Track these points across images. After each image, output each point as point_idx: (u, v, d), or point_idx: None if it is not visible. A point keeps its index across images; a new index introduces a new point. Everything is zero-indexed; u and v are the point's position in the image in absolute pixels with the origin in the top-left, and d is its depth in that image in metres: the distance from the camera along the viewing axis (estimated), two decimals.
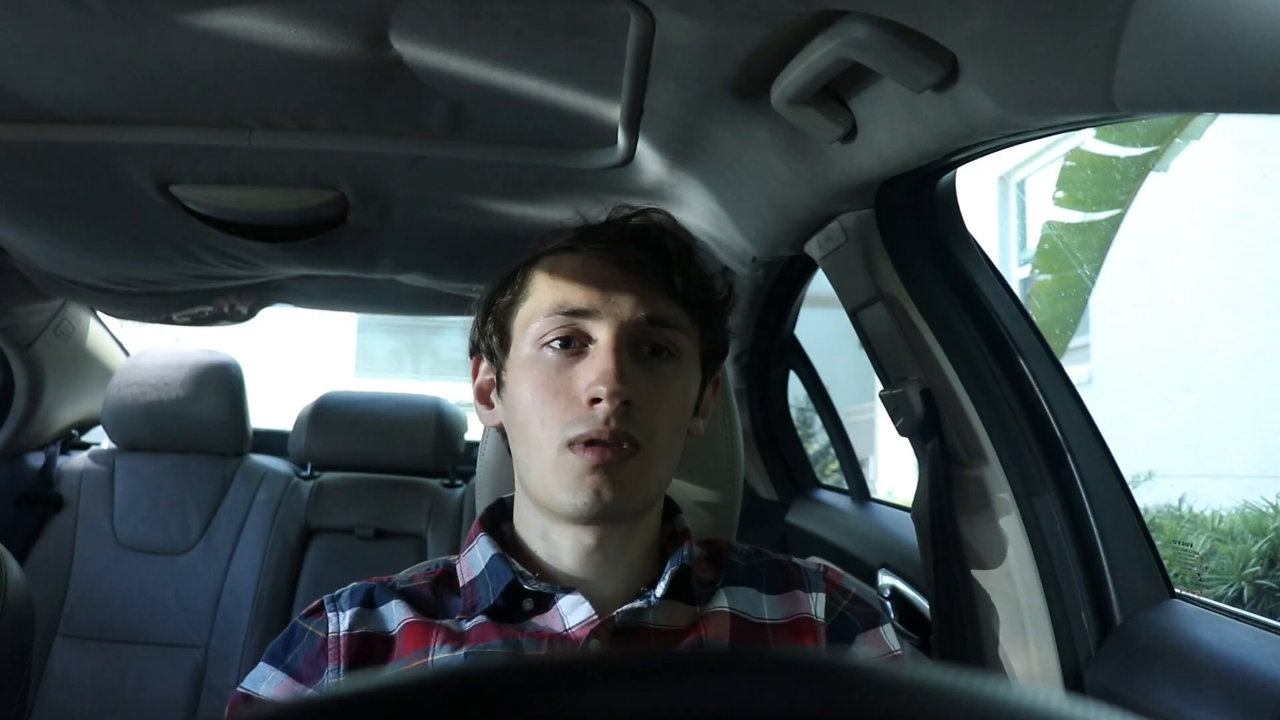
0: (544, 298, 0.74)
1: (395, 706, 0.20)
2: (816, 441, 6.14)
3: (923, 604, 1.18)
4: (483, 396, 0.81)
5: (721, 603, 0.75)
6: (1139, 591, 0.89)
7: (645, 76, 0.87)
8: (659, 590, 0.72)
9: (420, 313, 2.36)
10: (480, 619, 0.72)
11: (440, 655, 0.71)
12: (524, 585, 0.72)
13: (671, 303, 0.74)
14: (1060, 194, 3.54)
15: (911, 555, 1.21)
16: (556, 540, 0.75)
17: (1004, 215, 6.31)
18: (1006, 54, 0.62)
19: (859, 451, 2.24)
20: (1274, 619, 0.80)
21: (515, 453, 0.76)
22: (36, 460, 1.99)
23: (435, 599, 0.76)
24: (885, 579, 1.31)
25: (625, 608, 0.71)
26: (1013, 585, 0.92)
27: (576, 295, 0.73)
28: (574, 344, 0.72)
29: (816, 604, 0.77)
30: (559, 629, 0.71)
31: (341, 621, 0.74)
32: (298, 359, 7.96)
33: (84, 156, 1.15)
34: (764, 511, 1.86)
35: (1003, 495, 0.92)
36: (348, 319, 8.98)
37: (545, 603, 0.73)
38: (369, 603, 0.75)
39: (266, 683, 0.73)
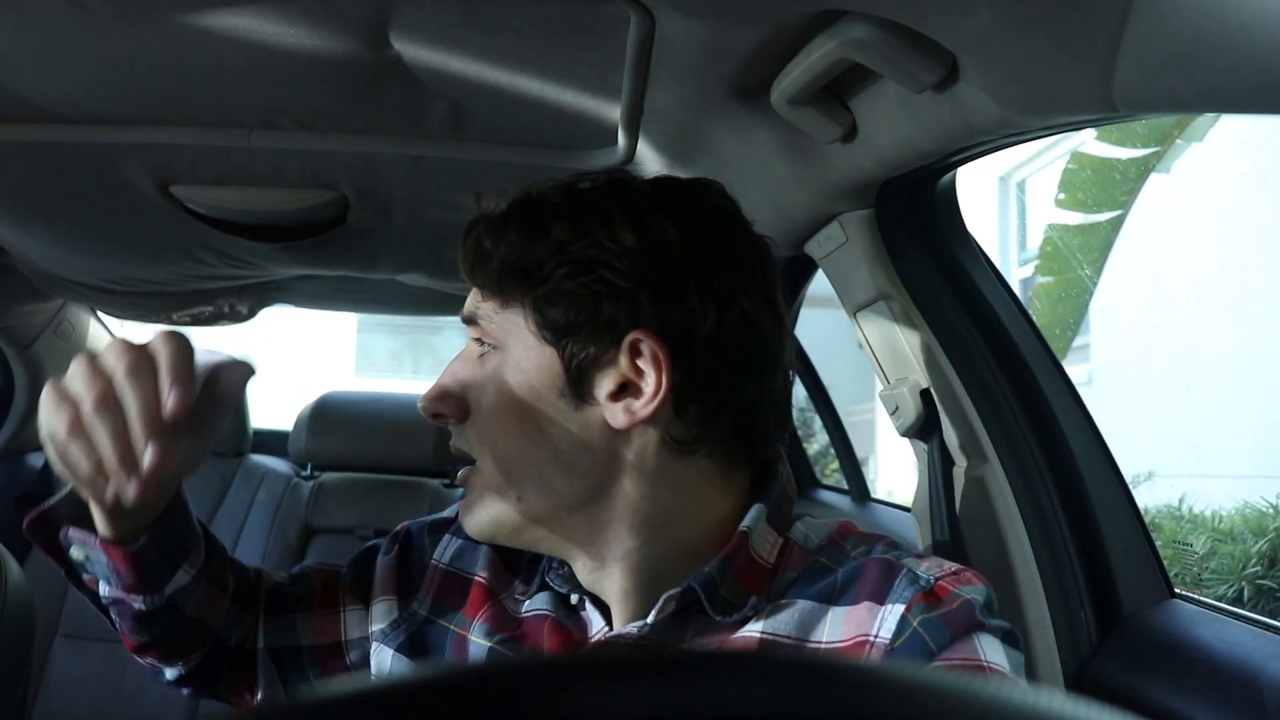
0: None
1: (394, 707, 0.20)
2: (816, 441, 6.14)
3: None
4: None
5: (755, 627, 0.61)
6: (1139, 592, 0.89)
7: (645, 76, 0.87)
8: (650, 619, 0.61)
9: (420, 313, 2.37)
10: (541, 611, 0.67)
11: (476, 638, 0.68)
12: (550, 584, 0.67)
13: (475, 292, 0.66)
14: (1062, 195, 3.55)
15: None
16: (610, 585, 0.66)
17: (1004, 215, 6.31)
18: (1006, 54, 0.62)
19: (859, 451, 2.24)
20: (1274, 619, 0.80)
21: None
22: (36, 460, 1.99)
23: (519, 556, 0.70)
24: None
25: (617, 631, 0.64)
26: (1013, 585, 0.92)
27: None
28: None
29: (886, 619, 0.58)
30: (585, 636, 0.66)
31: (448, 549, 0.73)
32: (298, 359, 7.97)
33: (84, 156, 1.15)
34: None
35: (1003, 495, 0.92)
36: (348, 319, 8.98)
37: (581, 604, 0.67)
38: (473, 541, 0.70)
39: (380, 561, 0.74)
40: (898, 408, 1.02)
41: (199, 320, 2.00)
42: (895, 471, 6.85)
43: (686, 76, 0.85)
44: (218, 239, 1.41)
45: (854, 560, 0.61)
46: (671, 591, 0.60)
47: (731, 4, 0.71)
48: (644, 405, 0.58)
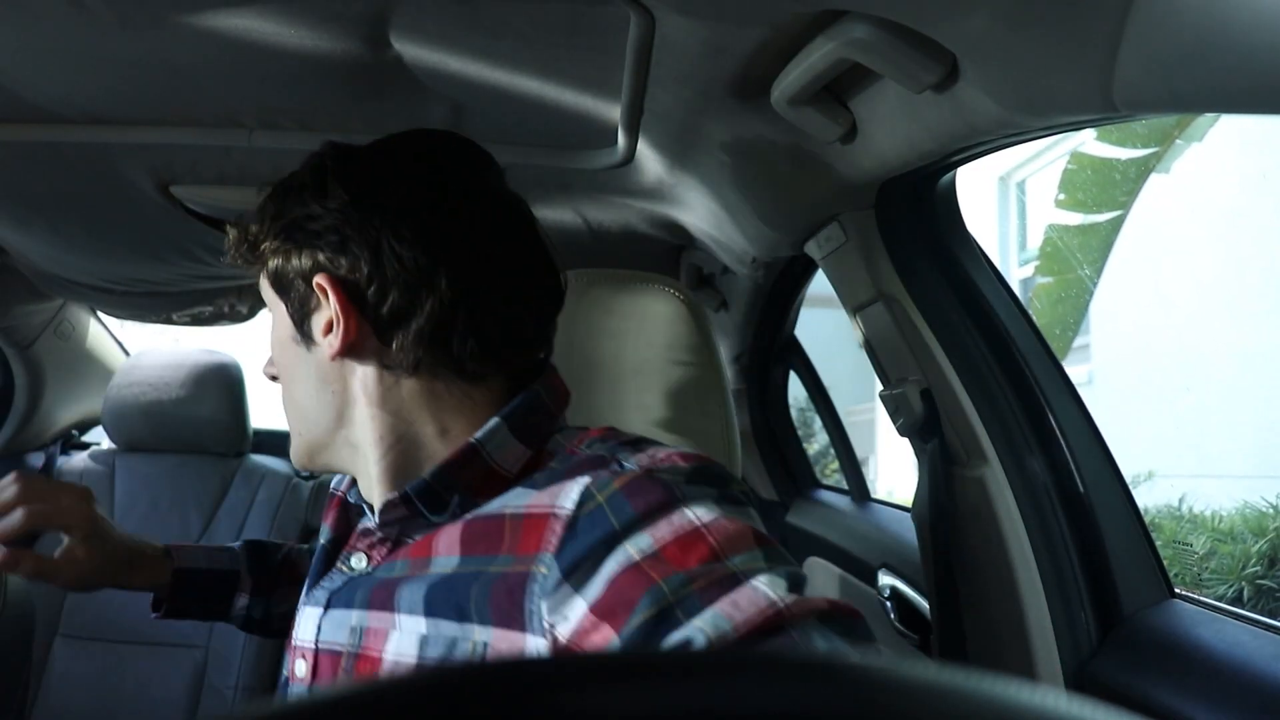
0: None
1: (393, 706, 0.20)
2: (816, 441, 6.14)
3: (923, 604, 1.18)
4: None
5: (463, 518, 0.66)
6: (1139, 591, 0.89)
7: (645, 76, 0.87)
8: (375, 519, 0.70)
9: None
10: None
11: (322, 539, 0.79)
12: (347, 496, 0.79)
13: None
14: (1062, 196, 3.55)
15: (911, 555, 1.21)
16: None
17: (1004, 215, 6.31)
18: (1006, 54, 0.62)
19: (859, 451, 2.24)
20: (1274, 619, 0.80)
21: None
22: (37, 460, 1.99)
23: None
24: (885, 579, 1.31)
25: (362, 527, 0.74)
26: (1013, 585, 0.92)
27: None
28: None
29: (571, 491, 0.60)
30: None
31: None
32: None
33: (84, 156, 1.15)
34: (764, 512, 1.86)
35: (1003, 495, 0.92)
36: None
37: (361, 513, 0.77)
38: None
39: None
40: (898, 408, 1.02)
41: (199, 320, 2.00)
42: (895, 471, 6.85)
43: (686, 76, 0.85)
44: (218, 239, 1.41)
45: (579, 455, 0.65)
46: (390, 497, 0.67)
47: (731, 4, 0.71)
48: (338, 339, 0.67)
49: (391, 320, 0.66)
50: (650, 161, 1.09)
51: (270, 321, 0.75)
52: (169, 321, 1.99)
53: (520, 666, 0.22)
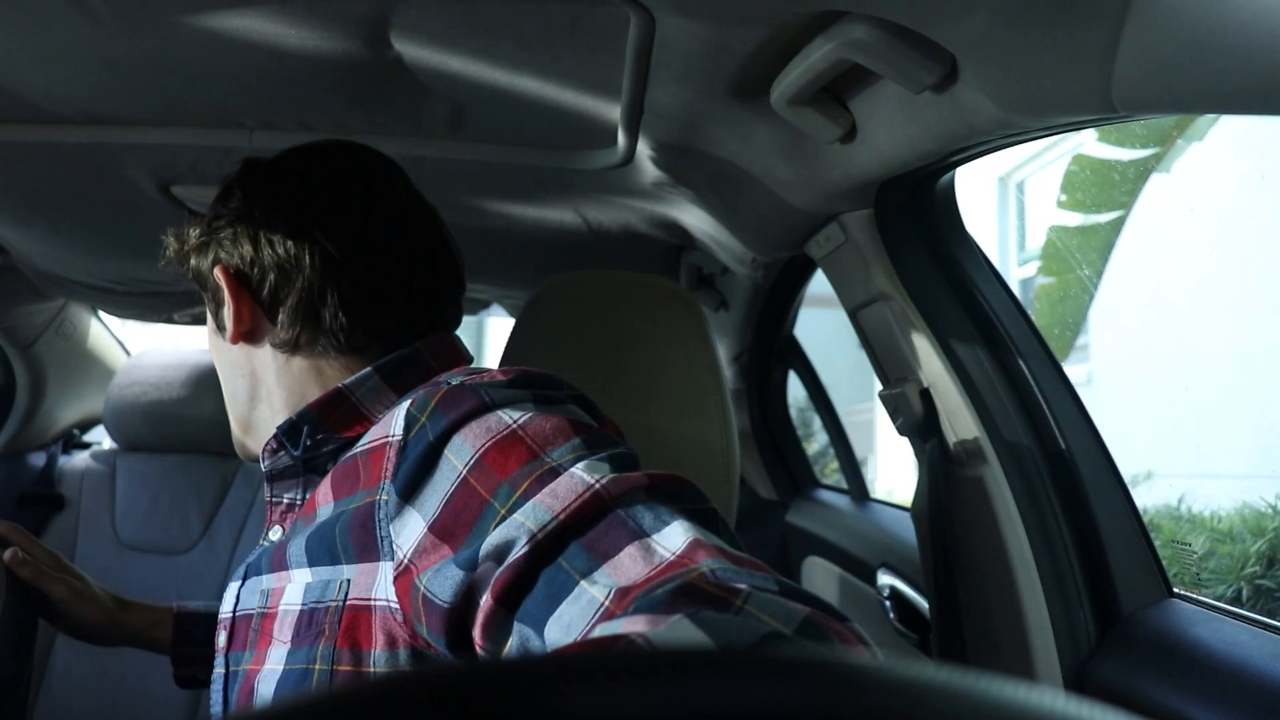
0: None
1: (391, 706, 0.21)
2: (816, 441, 6.14)
3: (923, 604, 1.19)
4: None
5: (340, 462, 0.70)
6: (1138, 591, 0.89)
7: (645, 76, 0.87)
8: (265, 463, 0.76)
9: None
10: None
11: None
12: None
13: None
14: (1063, 197, 3.55)
15: (911, 555, 1.21)
16: None
17: (1004, 215, 6.31)
18: (1006, 54, 0.62)
19: (859, 451, 2.24)
20: (1273, 619, 0.80)
21: None
22: (38, 460, 1.99)
23: None
24: (885, 579, 1.31)
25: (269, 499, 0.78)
26: (1013, 585, 0.92)
27: None
28: None
29: (400, 418, 0.63)
30: None
31: None
32: None
33: (84, 156, 1.15)
34: (763, 511, 1.86)
35: (1003, 495, 0.93)
36: None
37: None
38: None
39: None
40: (898, 408, 1.03)
41: (199, 320, 2.00)
42: (895, 471, 6.85)
43: (686, 76, 0.85)
44: None
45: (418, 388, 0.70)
46: (268, 442, 0.74)
47: (731, 4, 0.71)
48: (232, 323, 0.75)
49: (272, 301, 0.74)
50: (650, 161, 1.09)
51: None
52: (169, 321, 1.99)
53: (516, 667, 0.22)
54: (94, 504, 1.85)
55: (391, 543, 0.59)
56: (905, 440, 1.07)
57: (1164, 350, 4.80)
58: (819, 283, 1.37)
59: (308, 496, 0.73)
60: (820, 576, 1.64)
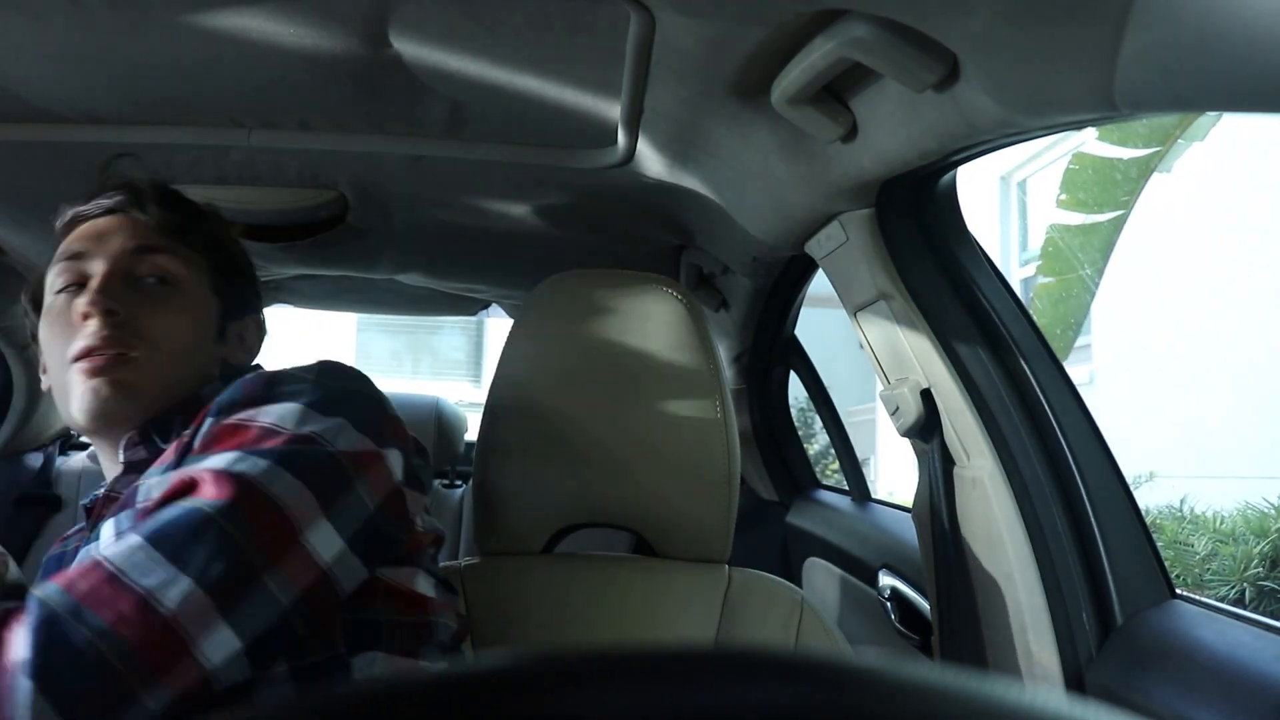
0: (55, 257, 0.85)
1: (386, 706, 0.20)
2: (816, 441, 6.15)
3: (923, 604, 1.18)
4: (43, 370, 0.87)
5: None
6: (1140, 592, 0.89)
7: (645, 76, 0.87)
8: (121, 458, 0.80)
9: (420, 313, 2.37)
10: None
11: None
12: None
13: (158, 234, 0.85)
14: (1063, 196, 3.54)
15: (911, 555, 1.21)
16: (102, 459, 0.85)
17: (1004, 215, 6.31)
18: (1007, 54, 0.62)
19: (859, 452, 2.24)
20: (1276, 620, 0.80)
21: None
22: (35, 460, 1.98)
23: None
24: (885, 579, 1.31)
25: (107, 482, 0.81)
26: (1013, 586, 0.91)
27: (73, 243, 0.84)
28: (75, 287, 0.82)
29: (213, 387, 0.80)
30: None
31: None
32: (298, 359, 7.95)
33: (84, 156, 1.15)
34: (764, 512, 1.86)
35: (1003, 495, 0.92)
36: (348, 319, 8.97)
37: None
38: None
39: None
40: (898, 408, 1.02)
41: None
42: (895, 472, 6.85)
43: (686, 76, 0.85)
44: None
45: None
46: (130, 433, 0.79)
47: (731, 4, 0.71)
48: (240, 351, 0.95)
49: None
50: (650, 161, 1.09)
51: (163, 297, 0.86)
52: None
53: (510, 667, 0.22)
54: None
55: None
56: (906, 441, 1.07)
57: (1166, 350, 4.80)
58: (819, 283, 1.37)
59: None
60: (821, 577, 1.64)
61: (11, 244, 1.56)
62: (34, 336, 0.89)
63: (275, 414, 0.67)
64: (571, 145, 1.10)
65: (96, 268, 0.82)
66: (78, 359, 0.78)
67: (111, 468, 0.83)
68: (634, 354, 1.03)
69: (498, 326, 7.46)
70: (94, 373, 0.78)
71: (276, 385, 0.70)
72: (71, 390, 0.79)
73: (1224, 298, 4.50)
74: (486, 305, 2.03)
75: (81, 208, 0.87)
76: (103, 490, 0.81)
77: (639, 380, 1.02)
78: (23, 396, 1.97)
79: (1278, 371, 4.15)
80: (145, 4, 0.81)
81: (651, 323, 1.04)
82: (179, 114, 1.06)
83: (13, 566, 0.95)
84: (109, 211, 0.86)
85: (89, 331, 0.78)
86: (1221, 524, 3.45)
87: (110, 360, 0.78)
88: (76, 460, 1.95)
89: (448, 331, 8.36)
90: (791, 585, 1.03)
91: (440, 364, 8.59)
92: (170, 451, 0.72)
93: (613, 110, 0.97)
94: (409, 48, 0.87)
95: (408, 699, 0.21)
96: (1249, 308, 4.37)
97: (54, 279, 0.84)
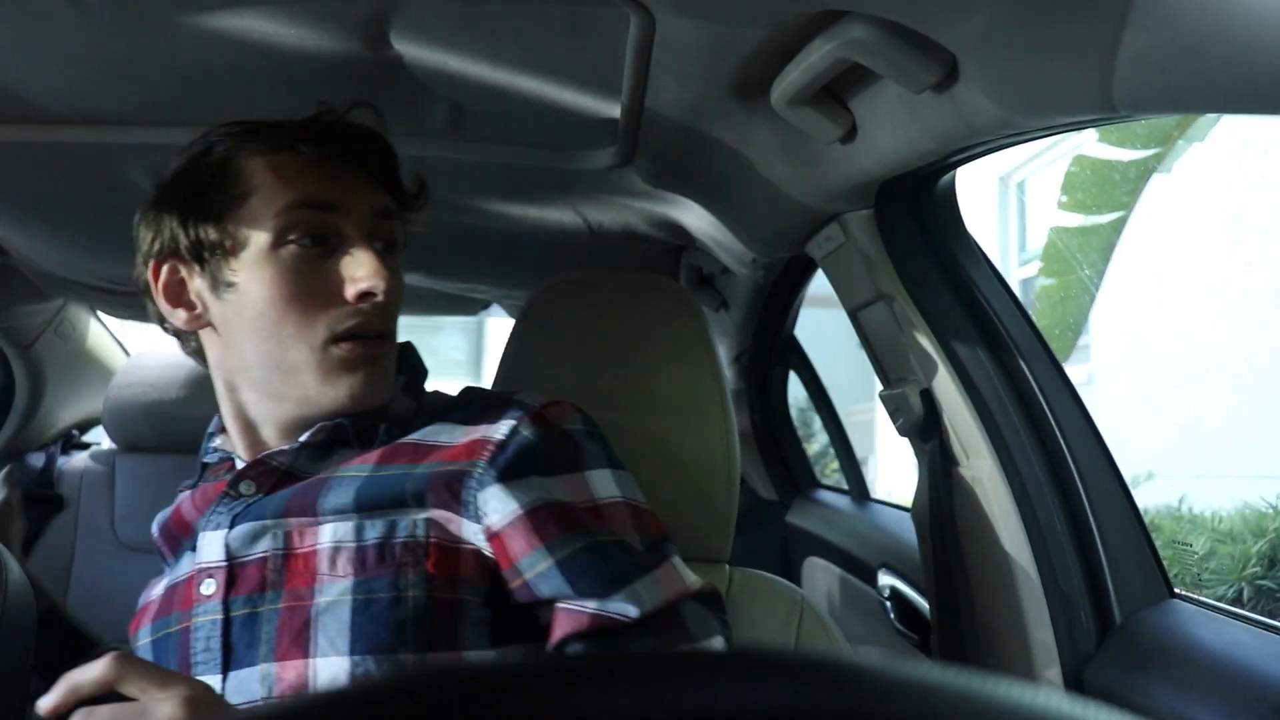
0: (276, 194, 0.74)
1: (385, 706, 0.20)
2: (816, 441, 6.14)
3: (922, 604, 1.19)
4: (174, 298, 0.78)
5: (389, 443, 0.77)
6: (1139, 591, 0.89)
7: (645, 77, 0.87)
8: (302, 436, 0.76)
9: (420, 313, 2.37)
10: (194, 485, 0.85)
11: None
12: (205, 459, 0.85)
13: (390, 196, 0.79)
14: (1064, 197, 3.55)
15: (911, 555, 1.21)
16: (266, 432, 0.80)
17: (1004, 215, 6.31)
18: (1006, 54, 0.62)
19: (859, 451, 2.24)
20: (1274, 619, 0.80)
21: (248, 351, 0.76)
22: (37, 460, 1.98)
23: None
24: (885, 579, 1.31)
25: (271, 451, 0.77)
26: (1012, 585, 0.92)
27: (318, 191, 0.74)
28: (323, 245, 0.74)
29: (502, 426, 0.74)
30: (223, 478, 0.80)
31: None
32: None
33: (84, 156, 1.15)
34: (764, 511, 1.86)
35: (1002, 495, 0.92)
36: None
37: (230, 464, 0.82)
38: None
39: None
40: (898, 408, 1.02)
41: None
42: (895, 471, 6.85)
43: (686, 77, 0.85)
44: None
45: (473, 398, 0.81)
46: (325, 423, 0.75)
47: (731, 4, 0.71)
48: None
49: None
50: (650, 161, 1.09)
51: (397, 268, 0.81)
52: None
53: (507, 668, 0.22)
54: (93, 504, 1.85)
55: (477, 509, 0.71)
56: (905, 441, 1.07)
57: (1165, 350, 4.80)
58: (819, 283, 1.37)
59: (315, 463, 0.77)
60: (820, 577, 1.64)
61: (12, 244, 1.56)
62: (194, 256, 0.75)
63: (603, 487, 0.75)
64: (571, 146, 1.10)
65: (350, 229, 0.74)
66: (341, 339, 0.73)
67: (270, 439, 0.79)
68: (634, 354, 1.03)
69: (498, 326, 7.45)
70: (366, 360, 0.74)
71: (578, 447, 0.76)
72: (325, 369, 0.73)
73: (1223, 298, 4.50)
74: (486, 305, 2.03)
75: (304, 140, 0.76)
76: (254, 456, 0.78)
77: (639, 380, 1.02)
78: (24, 396, 1.98)
79: (1276, 371, 4.15)
80: (145, 4, 0.81)
81: (651, 323, 1.04)
82: (179, 114, 1.06)
83: (14, 566, 0.95)
84: (357, 162, 0.77)
85: (365, 314, 0.73)
86: (1220, 523, 3.45)
87: (378, 348, 0.75)
88: (79, 460, 1.95)
89: (448, 331, 8.35)
90: (791, 584, 1.03)
91: (440, 364, 8.59)
92: (407, 454, 0.75)
93: (613, 111, 0.97)
94: (409, 49, 0.87)
95: (410, 698, 0.21)
96: (1248, 308, 4.38)
97: (284, 223, 0.73)
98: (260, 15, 0.82)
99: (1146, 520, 0.94)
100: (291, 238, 0.73)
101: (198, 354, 0.83)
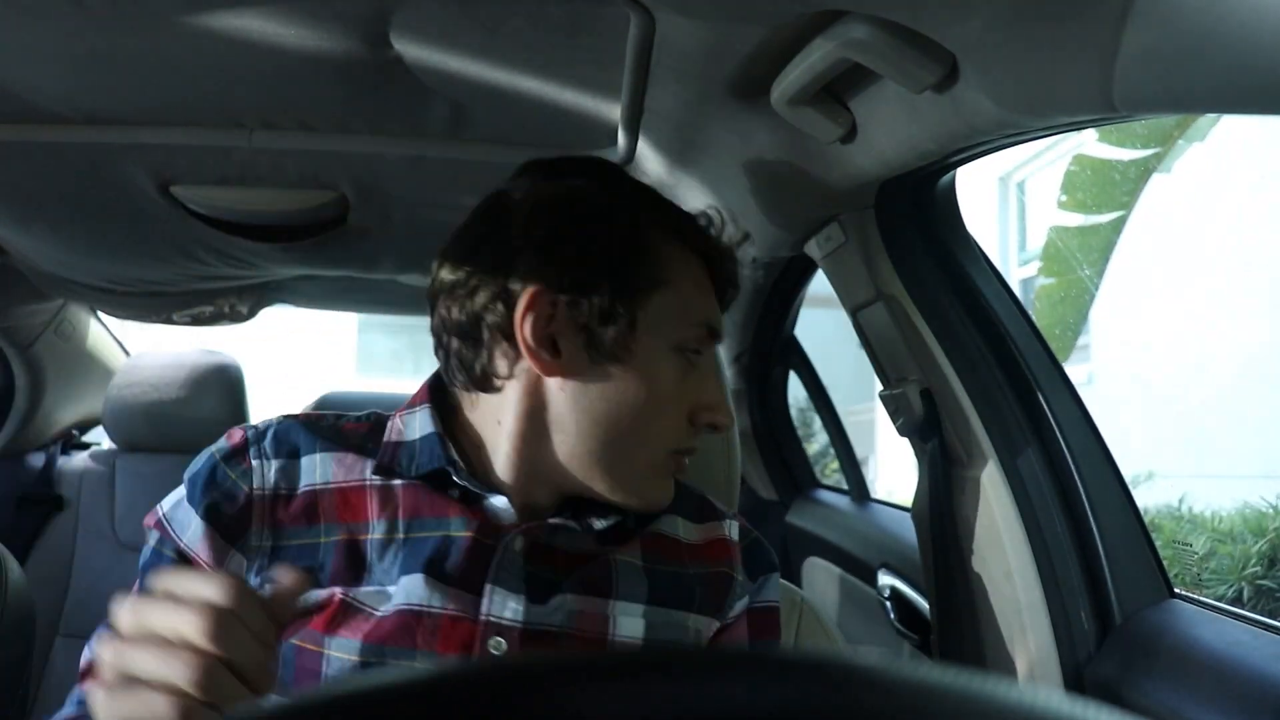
0: (692, 304, 0.73)
1: (391, 707, 0.20)
2: (816, 441, 6.14)
3: (922, 604, 1.19)
4: (539, 332, 0.69)
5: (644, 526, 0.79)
6: (1139, 591, 0.89)
7: (645, 76, 0.87)
8: (598, 525, 0.75)
9: (420, 313, 2.36)
10: (411, 482, 0.73)
11: (378, 531, 0.71)
12: (454, 477, 0.73)
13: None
14: (1063, 197, 3.55)
15: (911, 555, 1.21)
16: (542, 492, 0.75)
17: (1004, 215, 6.31)
18: (1006, 54, 0.62)
19: (859, 451, 2.24)
20: (1274, 619, 0.80)
21: (593, 425, 0.71)
22: (37, 460, 1.98)
23: (362, 454, 0.75)
24: (885, 579, 1.31)
25: (555, 521, 0.73)
26: (1013, 585, 0.92)
27: (715, 316, 0.75)
28: (692, 358, 0.73)
29: (731, 529, 0.82)
30: (487, 519, 0.73)
31: (267, 474, 0.73)
32: (298, 359, 7.97)
33: (84, 156, 1.15)
34: (764, 511, 1.86)
35: (1002, 495, 0.93)
36: (348, 319, 8.98)
37: (470, 497, 0.73)
38: (294, 453, 0.74)
39: (191, 531, 0.72)
40: (898, 408, 1.02)
41: (199, 320, 2.00)
42: (895, 471, 6.85)
43: (686, 76, 0.85)
44: (218, 239, 1.41)
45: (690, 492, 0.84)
46: (615, 516, 0.76)
47: (731, 4, 0.71)
48: None
49: None
50: (650, 161, 1.09)
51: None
52: (169, 321, 1.99)
53: (516, 667, 0.22)
54: (93, 504, 1.85)
55: (729, 611, 0.78)
56: (905, 440, 1.07)
57: (1165, 350, 4.80)
58: (819, 283, 1.37)
59: (592, 542, 0.75)
60: (820, 577, 1.64)
61: (12, 244, 1.56)
62: (600, 315, 0.69)
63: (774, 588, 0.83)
64: (572, 146, 1.10)
65: (708, 353, 0.75)
66: (675, 452, 0.74)
67: (543, 499, 0.75)
68: None
69: None
70: (677, 472, 0.75)
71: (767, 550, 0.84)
72: (650, 472, 0.73)
73: (1222, 297, 4.51)
74: None
75: (712, 252, 0.76)
76: (525, 510, 0.74)
77: None
78: (24, 396, 1.98)
79: (1276, 371, 4.15)
80: (145, 4, 0.81)
81: None
82: (180, 114, 1.06)
83: (14, 566, 0.95)
84: (726, 288, 0.78)
85: (694, 437, 0.75)
86: (1219, 523, 3.45)
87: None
88: (78, 460, 1.95)
89: None
90: (791, 585, 1.03)
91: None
92: (683, 549, 0.79)
93: (613, 111, 0.98)
94: (410, 49, 0.87)
95: (413, 697, 0.21)
96: (1248, 308, 4.38)
97: (690, 336, 0.72)
98: (260, 15, 0.82)
99: (1146, 520, 0.94)
100: (689, 348, 0.72)
101: (482, 384, 0.73)
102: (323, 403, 2.02)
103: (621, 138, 1.04)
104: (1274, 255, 4.25)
